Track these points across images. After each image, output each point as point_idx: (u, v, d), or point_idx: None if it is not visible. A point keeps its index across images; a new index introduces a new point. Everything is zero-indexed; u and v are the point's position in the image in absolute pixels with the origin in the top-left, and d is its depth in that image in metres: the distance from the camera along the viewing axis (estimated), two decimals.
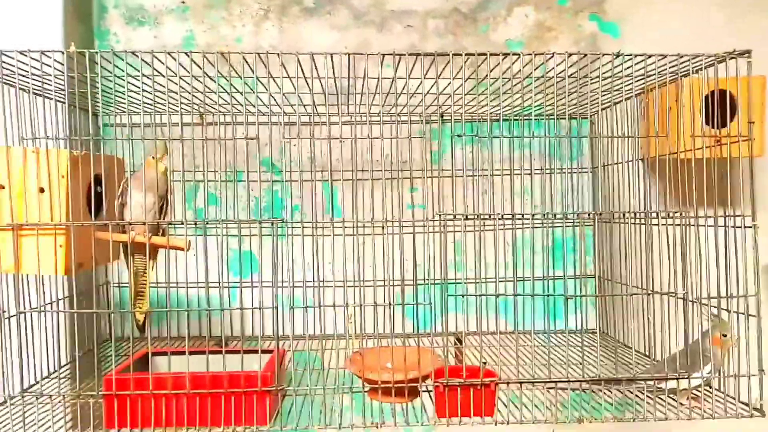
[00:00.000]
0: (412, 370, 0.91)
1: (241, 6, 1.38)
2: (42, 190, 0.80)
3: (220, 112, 1.32)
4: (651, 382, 0.93)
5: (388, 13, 1.39)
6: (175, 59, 0.87)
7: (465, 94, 1.16)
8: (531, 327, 1.38)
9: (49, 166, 0.79)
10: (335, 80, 1.01)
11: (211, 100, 1.18)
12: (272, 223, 0.81)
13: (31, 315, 0.90)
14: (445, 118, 1.37)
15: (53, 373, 1.05)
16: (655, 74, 0.96)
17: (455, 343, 1.38)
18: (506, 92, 1.15)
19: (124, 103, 1.21)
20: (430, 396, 0.90)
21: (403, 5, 1.40)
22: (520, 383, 0.88)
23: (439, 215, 0.87)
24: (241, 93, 1.01)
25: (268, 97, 1.02)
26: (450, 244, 1.38)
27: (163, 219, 0.86)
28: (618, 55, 0.94)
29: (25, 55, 0.79)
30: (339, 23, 1.39)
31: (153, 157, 0.91)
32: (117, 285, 1.33)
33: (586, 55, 0.95)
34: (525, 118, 1.37)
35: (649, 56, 0.94)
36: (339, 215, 1.40)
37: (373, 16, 1.39)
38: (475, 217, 0.85)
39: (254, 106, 1.23)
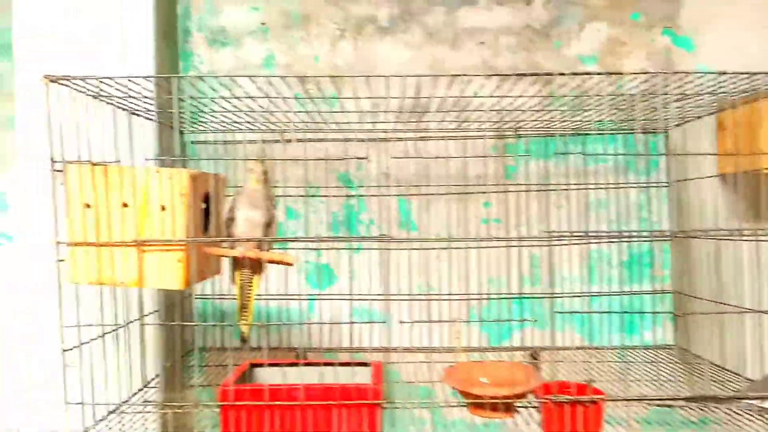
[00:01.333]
0: (508, 385, 0.92)
1: (319, 26, 1.42)
2: (163, 208, 0.84)
3: (299, 130, 1.36)
4: (750, 401, 0.92)
5: (460, 30, 1.42)
6: (254, 82, 0.91)
7: (539, 110, 1.18)
8: (606, 342, 1.38)
9: (171, 185, 0.83)
10: (414, 98, 1.04)
11: (288, 119, 1.21)
12: (380, 239, 0.83)
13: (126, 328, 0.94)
14: (519, 132, 1.38)
15: (151, 381, 1.09)
16: (730, 91, 0.96)
17: (531, 358, 1.38)
18: (580, 107, 1.16)
19: (212, 122, 1.26)
20: (531, 412, 0.91)
21: (475, 23, 1.42)
22: (628, 401, 0.88)
23: (548, 233, 0.87)
24: (319, 112, 1.04)
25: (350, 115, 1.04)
26: (525, 259, 1.38)
27: (270, 234, 0.88)
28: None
29: (149, 81, 0.84)
30: (413, 41, 1.42)
31: (249, 169, 0.95)
32: (200, 297, 1.37)
33: (661, 72, 0.95)
34: (599, 132, 1.38)
35: (723, 73, 0.94)
36: (414, 229, 1.41)
37: (445, 33, 1.42)
38: (584, 234, 0.86)
39: (329, 124, 1.26)
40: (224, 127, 1.30)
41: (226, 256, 0.92)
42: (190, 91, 0.90)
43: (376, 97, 0.99)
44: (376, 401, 0.82)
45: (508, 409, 0.90)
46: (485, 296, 1.38)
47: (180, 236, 0.83)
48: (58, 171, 0.84)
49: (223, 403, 0.83)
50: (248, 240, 0.89)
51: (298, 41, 1.42)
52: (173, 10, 1.40)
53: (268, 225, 0.95)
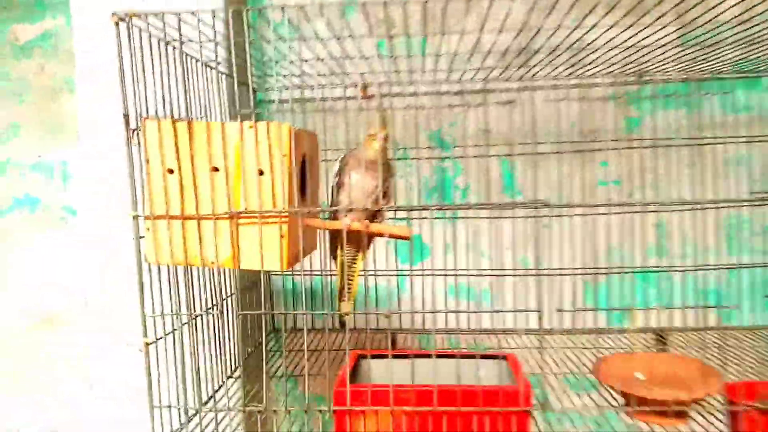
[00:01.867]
0: (671, 382, 0.75)
1: None
2: (261, 173, 0.68)
3: (383, 82, 1.19)
4: None
5: None
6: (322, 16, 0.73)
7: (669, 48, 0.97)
8: (747, 321, 1.18)
9: (271, 144, 0.67)
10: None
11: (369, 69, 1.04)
12: (535, 207, 0.66)
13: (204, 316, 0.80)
14: (644, 77, 1.17)
15: (233, 372, 0.96)
16: None
17: (657, 342, 1.20)
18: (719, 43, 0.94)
19: (284, 74, 1.10)
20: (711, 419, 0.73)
21: None
22: None
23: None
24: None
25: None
26: (651, 227, 1.19)
27: (387, 203, 0.72)
28: None
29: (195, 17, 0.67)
30: None
31: (370, 135, 0.79)
32: (278, 274, 1.24)
33: None
34: (741, 76, 1.15)
35: None
36: (519, 195, 1.24)
37: None
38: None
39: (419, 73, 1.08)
40: (298, 82, 1.14)
41: (330, 229, 0.76)
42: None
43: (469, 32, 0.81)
44: (527, 408, 0.66)
45: (681, 415, 0.73)
46: (604, 270, 1.20)
47: (282, 206, 0.68)
48: (133, 129, 0.69)
49: (339, 408, 0.68)
50: (365, 209, 0.72)
51: None
52: None
53: (384, 194, 0.79)
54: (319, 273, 1.17)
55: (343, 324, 0.86)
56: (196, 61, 0.83)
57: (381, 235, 0.76)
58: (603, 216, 1.19)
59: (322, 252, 1.10)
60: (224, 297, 0.88)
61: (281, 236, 0.68)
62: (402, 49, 0.96)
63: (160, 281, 0.72)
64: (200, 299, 0.77)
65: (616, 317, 1.23)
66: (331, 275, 1.19)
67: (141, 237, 0.70)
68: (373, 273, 1.18)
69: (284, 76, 1.10)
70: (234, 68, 0.79)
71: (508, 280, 1.22)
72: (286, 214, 0.68)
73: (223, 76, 0.98)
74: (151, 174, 0.69)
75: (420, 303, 1.24)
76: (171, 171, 0.69)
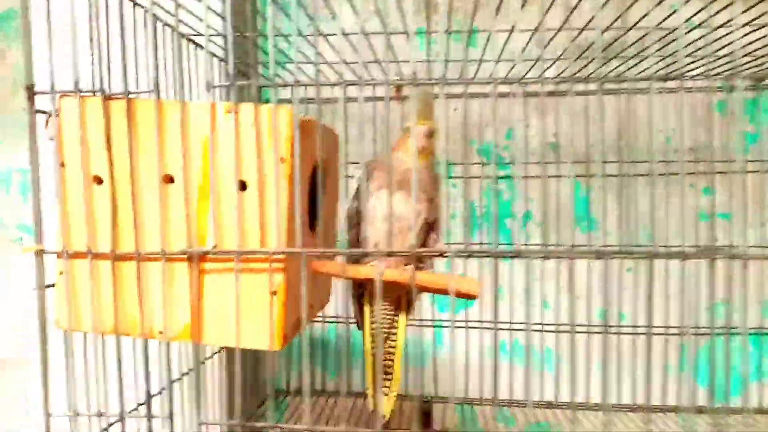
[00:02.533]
0: None
1: None
2: (244, 186, 0.41)
3: (422, 82, 0.92)
4: None
5: None
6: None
7: None
8: None
9: (260, 139, 0.40)
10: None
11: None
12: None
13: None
14: (764, 82, 0.89)
15: None
16: None
17: None
18: None
19: (298, 67, 0.84)
20: None
21: None
22: None
23: None
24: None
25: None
26: None
27: (435, 241, 0.44)
28: None
29: None
30: None
31: (406, 129, 0.52)
32: None
33: None
34: None
35: None
36: (593, 228, 0.95)
37: None
38: None
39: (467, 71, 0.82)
40: (312, 80, 0.88)
41: (349, 279, 0.49)
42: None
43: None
44: None
45: None
46: (705, 330, 0.91)
47: (277, 243, 0.41)
48: (45, 113, 0.43)
49: None
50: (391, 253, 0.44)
51: None
52: None
53: (430, 226, 0.52)
54: (333, 320, 0.89)
55: (386, 424, 0.58)
56: (179, 34, 0.57)
57: (435, 290, 0.48)
58: (704, 260, 0.90)
59: (338, 294, 0.83)
60: (173, 379, 0.60)
61: (273, 293, 0.41)
62: (445, 42, 0.70)
63: (85, 358, 0.45)
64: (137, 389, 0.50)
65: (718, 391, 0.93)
66: (347, 323, 0.92)
67: (48, 286, 0.43)
68: (412, 322, 0.91)
69: (297, 66, 0.84)
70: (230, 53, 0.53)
71: (580, 337, 0.94)
72: (282, 255, 0.41)
73: (215, 60, 0.72)
74: (67, 185, 0.42)
75: (462, 363, 0.96)
76: (99, 180, 0.42)
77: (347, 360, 0.96)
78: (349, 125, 0.96)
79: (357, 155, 0.96)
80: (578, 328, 0.93)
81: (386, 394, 0.55)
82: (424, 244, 0.53)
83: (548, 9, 0.55)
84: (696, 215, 0.93)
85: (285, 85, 0.40)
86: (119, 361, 0.43)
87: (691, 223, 0.93)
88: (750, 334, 0.91)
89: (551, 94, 0.93)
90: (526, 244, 0.95)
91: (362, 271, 0.49)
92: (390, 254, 0.39)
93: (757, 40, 0.69)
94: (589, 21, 0.66)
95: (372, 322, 0.54)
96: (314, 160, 0.48)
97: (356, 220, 0.54)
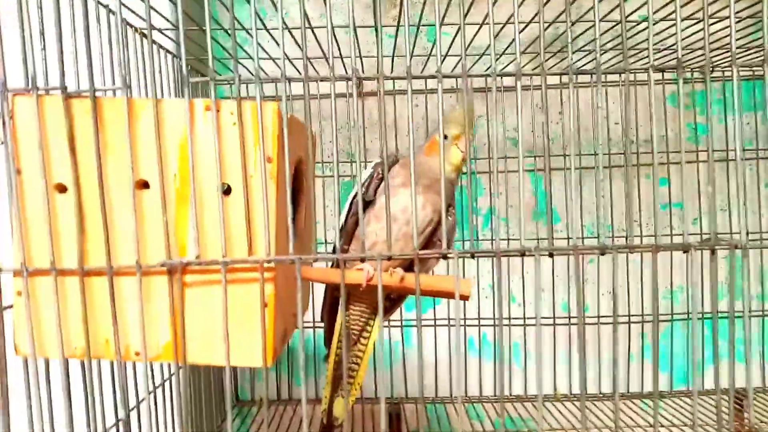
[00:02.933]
0: None
1: None
2: (228, 190, 0.38)
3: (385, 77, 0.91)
4: None
5: None
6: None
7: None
8: None
9: (244, 138, 0.37)
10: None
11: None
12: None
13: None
14: (715, 72, 0.92)
15: None
16: None
17: (736, 406, 0.93)
18: None
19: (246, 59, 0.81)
20: None
21: None
22: None
23: None
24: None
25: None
26: (722, 261, 0.93)
27: (447, 244, 0.41)
28: None
29: None
30: None
31: (444, 137, 0.50)
32: None
33: None
34: None
35: None
36: (557, 221, 0.96)
37: None
38: None
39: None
40: (266, 76, 0.85)
41: (341, 283, 0.46)
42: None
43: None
44: None
45: None
46: (665, 317, 0.94)
47: (266, 251, 0.38)
48: None
49: None
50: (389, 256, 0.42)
51: None
52: None
53: (434, 229, 0.50)
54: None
55: (331, 426, 0.56)
56: (128, 26, 0.53)
57: (427, 293, 0.46)
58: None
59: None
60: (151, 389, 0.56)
61: (264, 305, 0.38)
62: (405, 36, 0.69)
63: (49, 386, 0.40)
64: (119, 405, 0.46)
65: (679, 375, 0.96)
66: (314, 328, 0.89)
67: (6, 307, 0.39)
68: (387, 325, 0.89)
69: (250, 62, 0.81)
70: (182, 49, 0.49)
71: (546, 330, 0.95)
72: (272, 264, 0.38)
73: (168, 55, 0.67)
74: (25, 195, 0.38)
75: (431, 362, 0.94)
76: (63, 188, 0.38)
77: (315, 366, 0.93)
78: (312, 122, 0.93)
79: (320, 154, 0.94)
80: (545, 321, 0.94)
81: (343, 397, 0.53)
82: (428, 246, 0.52)
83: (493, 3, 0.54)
84: (654, 205, 0.95)
85: (263, 82, 0.37)
86: (89, 385, 0.39)
87: (648, 213, 0.95)
88: (705, 318, 0.94)
89: (508, 89, 0.93)
90: (492, 240, 0.95)
91: (350, 276, 0.46)
92: (389, 258, 0.37)
93: (698, 31, 0.71)
94: (535, 15, 0.66)
95: (348, 323, 0.52)
96: (297, 159, 0.46)
97: (355, 210, 0.52)
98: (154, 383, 0.58)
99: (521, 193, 0.75)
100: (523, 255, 0.36)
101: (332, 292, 0.56)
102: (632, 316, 0.93)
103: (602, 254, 0.38)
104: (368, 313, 0.54)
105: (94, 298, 0.38)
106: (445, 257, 0.37)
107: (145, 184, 0.38)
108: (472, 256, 0.37)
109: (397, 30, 0.79)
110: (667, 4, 0.63)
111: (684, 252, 0.38)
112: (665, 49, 0.81)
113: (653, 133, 0.40)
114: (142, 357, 0.38)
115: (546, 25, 0.65)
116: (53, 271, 0.37)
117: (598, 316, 0.93)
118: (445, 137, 0.52)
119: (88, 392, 0.39)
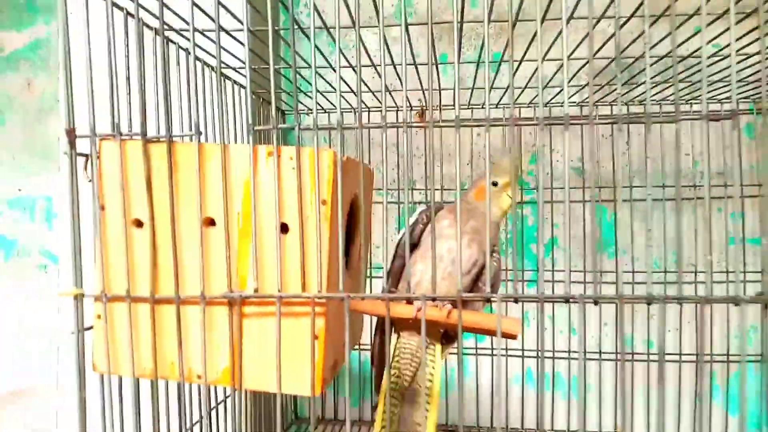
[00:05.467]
0: None
1: None
2: (286, 229, 0.41)
3: (445, 107, 0.93)
4: None
5: None
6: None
7: None
8: None
9: (301, 182, 0.40)
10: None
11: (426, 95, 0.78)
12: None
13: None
14: None
15: None
16: None
17: None
18: None
19: (321, 95, 0.85)
20: None
21: None
22: None
23: None
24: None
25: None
26: None
27: (489, 286, 0.43)
28: None
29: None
30: None
31: (494, 183, 0.52)
32: None
33: None
34: None
35: None
36: (623, 253, 0.94)
37: None
38: None
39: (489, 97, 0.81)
40: (333, 106, 0.89)
41: (393, 318, 0.48)
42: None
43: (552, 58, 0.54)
44: None
45: None
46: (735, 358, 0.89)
47: (318, 287, 0.40)
48: (81, 155, 0.43)
49: None
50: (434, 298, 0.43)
51: None
52: None
53: (480, 270, 0.51)
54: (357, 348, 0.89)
55: None
56: (204, 65, 0.57)
57: (476, 330, 0.47)
58: (732, 283, 0.89)
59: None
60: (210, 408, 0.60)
61: (315, 338, 0.40)
62: (470, 68, 0.70)
63: (121, 400, 0.44)
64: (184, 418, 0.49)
65: (752, 420, 0.91)
66: (359, 350, 0.91)
67: (87, 329, 0.43)
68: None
69: (319, 94, 0.85)
70: (248, 80, 0.52)
71: (607, 365, 0.92)
72: (324, 299, 0.40)
73: (241, 89, 0.72)
74: (107, 228, 0.42)
75: (487, 392, 0.94)
76: (139, 224, 0.42)
77: (360, 388, 0.95)
78: (373, 151, 0.96)
79: (378, 182, 0.96)
80: (603, 356, 0.92)
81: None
82: (473, 288, 0.53)
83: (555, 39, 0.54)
84: (724, 240, 0.91)
85: (302, 128, 0.40)
86: (155, 402, 0.43)
87: (720, 248, 0.91)
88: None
89: (574, 120, 0.92)
90: (552, 270, 0.94)
91: (399, 310, 0.48)
92: (434, 299, 0.39)
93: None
94: (602, 46, 0.66)
95: (396, 356, 0.54)
96: (352, 197, 0.48)
97: (402, 251, 0.54)
98: (214, 402, 0.62)
99: (567, 228, 0.74)
100: (567, 301, 0.36)
101: (379, 324, 0.58)
102: (687, 355, 0.89)
103: (649, 304, 0.37)
104: (429, 343, 0.55)
105: (163, 324, 0.42)
106: (488, 301, 0.38)
107: (211, 222, 0.41)
108: (516, 301, 0.38)
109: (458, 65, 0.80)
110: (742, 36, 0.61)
111: (735, 305, 0.37)
112: (740, 81, 0.78)
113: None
114: (203, 380, 0.41)
115: (595, 72, 0.66)
116: (128, 298, 0.41)
117: (647, 353, 0.90)
118: (495, 183, 0.53)
119: (153, 408, 0.43)
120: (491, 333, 0.48)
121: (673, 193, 0.91)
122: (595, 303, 0.36)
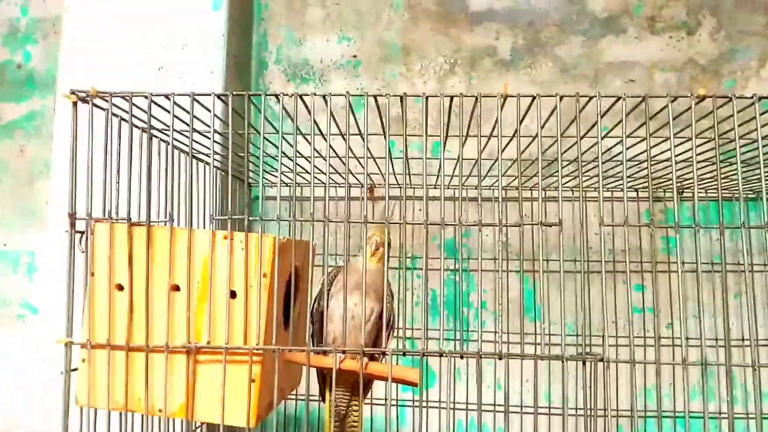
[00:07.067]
0: None
1: (423, 60, 1.14)
2: (234, 295, 0.53)
3: (392, 185, 1.07)
4: None
5: (603, 65, 1.12)
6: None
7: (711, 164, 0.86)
8: None
9: (249, 259, 0.53)
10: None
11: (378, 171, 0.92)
12: (582, 360, 0.51)
13: None
14: (685, 194, 1.05)
15: None
16: None
17: None
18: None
19: (285, 173, 0.98)
20: None
21: (622, 56, 1.12)
22: None
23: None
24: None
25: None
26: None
27: (388, 338, 0.56)
28: None
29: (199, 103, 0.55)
30: (541, 77, 1.13)
31: (371, 247, 0.64)
32: None
33: None
34: None
35: None
36: (539, 318, 1.08)
37: (584, 68, 1.12)
38: None
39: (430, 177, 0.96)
40: (298, 179, 1.03)
41: (313, 367, 0.60)
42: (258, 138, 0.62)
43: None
44: None
45: None
46: (639, 414, 1.02)
47: (256, 341, 0.52)
48: (80, 233, 0.55)
49: None
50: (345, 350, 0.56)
51: (396, 77, 1.15)
52: (248, 39, 1.15)
53: (388, 324, 0.63)
54: (303, 397, 0.99)
55: None
56: (179, 152, 0.71)
57: (382, 378, 0.59)
58: (639, 347, 1.03)
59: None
60: None
61: (251, 380, 0.52)
62: (416, 151, 0.85)
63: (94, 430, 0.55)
64: None
65: None
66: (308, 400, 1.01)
67: (73, 369, 0.54)
68: (369, 402, 1.01)
69: (283, 172, 0.98)
70: (229, 163, 0.66)
71: (527, 419, 1.04)
72: (260, 351, 0.52)
73: (216, 171, 0.86)
74: (95, 290, 0.54)
75: None
76: (120, 287, 0.54)
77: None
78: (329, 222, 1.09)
79: (334, 248, 1.09)
80: (523, 410, 1.03)
81: None
82: (377, 339, 0.64)
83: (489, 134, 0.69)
84: (628, 308, 1.06)
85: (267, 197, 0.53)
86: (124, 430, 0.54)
87: (624, 314, 1.06)
88: (677, 417, 1.01)
89: (504, 198, 1.08)
90: (481, 331, 1.07)
91: (323, 362, 0.60)
92: (344, 351, 0.51)
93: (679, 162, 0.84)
94: (532, 140, 0.81)
95: (331, 403, 0.65)
96: (290, 270, 0.61)
97: (318, 317, 0.66)
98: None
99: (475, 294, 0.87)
100: (441, 356, 0.49)
101: (320, 375, 0.70)
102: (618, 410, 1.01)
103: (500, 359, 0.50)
104: (349, 392, 0.67)
105: (134, 367, 0.53)
106: (384, 354, 0.50)
107: (177, 288, 0.54)
108: (404, 354, 0.50)
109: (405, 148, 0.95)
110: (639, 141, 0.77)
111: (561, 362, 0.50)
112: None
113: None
114: (164, 413, 0.53)
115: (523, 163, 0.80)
116: (108, 345, 0.53)
117: (576, 408, 1.02)
118: (370, 238, 0.64)
119: None
120: (402, 381, 0.60)
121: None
122: (461, 357, 0.49)
